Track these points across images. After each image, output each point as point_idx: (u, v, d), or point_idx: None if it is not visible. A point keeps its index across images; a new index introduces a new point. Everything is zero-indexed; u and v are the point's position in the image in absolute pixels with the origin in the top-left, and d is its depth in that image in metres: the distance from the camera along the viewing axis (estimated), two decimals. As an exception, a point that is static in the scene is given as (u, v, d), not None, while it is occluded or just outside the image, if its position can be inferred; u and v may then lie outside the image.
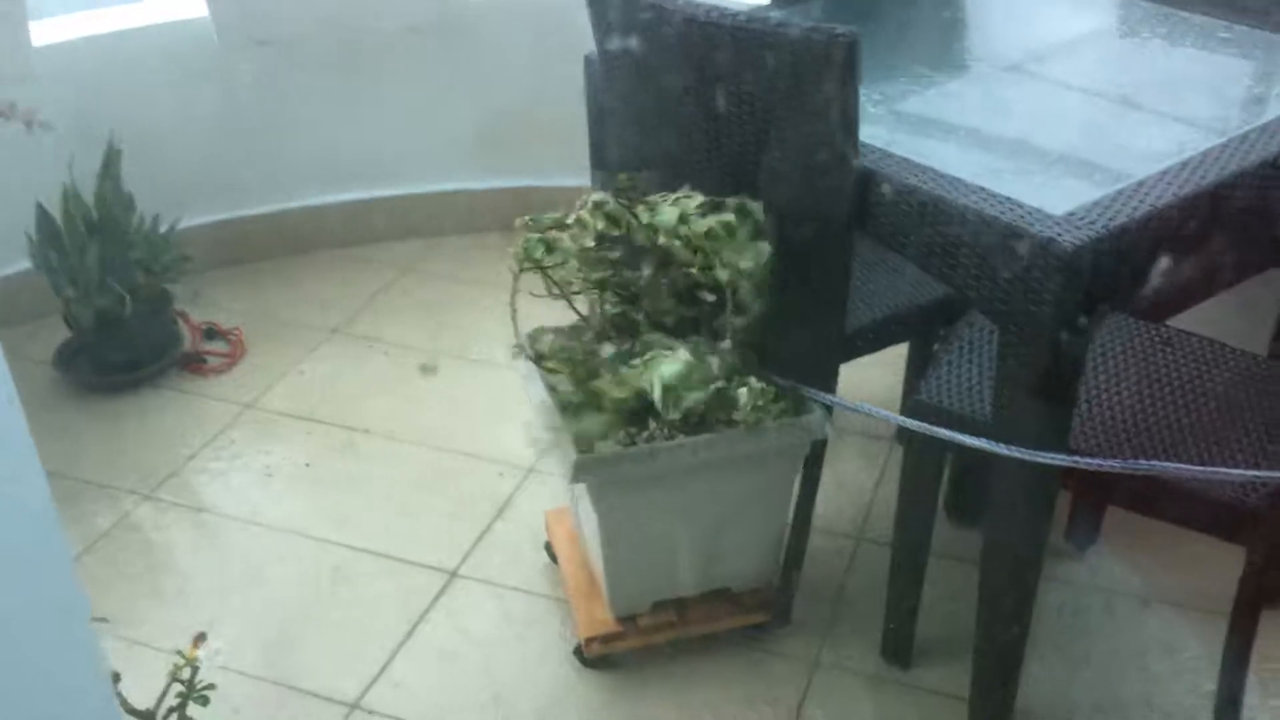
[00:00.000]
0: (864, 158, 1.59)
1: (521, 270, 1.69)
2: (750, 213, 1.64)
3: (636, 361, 1.71)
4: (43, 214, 2.51)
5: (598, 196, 1.68)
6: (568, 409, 1.73)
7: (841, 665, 1.92)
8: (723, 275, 1.62)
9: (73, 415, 2.55)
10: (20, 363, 2.67)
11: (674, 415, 1.67)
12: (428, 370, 2.64)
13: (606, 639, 1.88)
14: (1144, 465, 1.54)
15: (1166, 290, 2.00)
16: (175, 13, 2.85)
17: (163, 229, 2.66)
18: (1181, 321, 1.97)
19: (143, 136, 2.76)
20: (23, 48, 2.62)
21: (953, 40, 2.13)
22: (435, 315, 2.88)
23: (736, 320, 1.71)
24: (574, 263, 1.68)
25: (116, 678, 1.44)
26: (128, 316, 2.56)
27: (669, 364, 1.66)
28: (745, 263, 1.60)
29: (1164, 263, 1.62)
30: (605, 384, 1.68)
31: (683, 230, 1.61)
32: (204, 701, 1.48)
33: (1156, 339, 1.84)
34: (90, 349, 2.63)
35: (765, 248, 1.62)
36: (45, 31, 2.73)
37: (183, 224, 2.87)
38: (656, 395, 1.64)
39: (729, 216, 1.63)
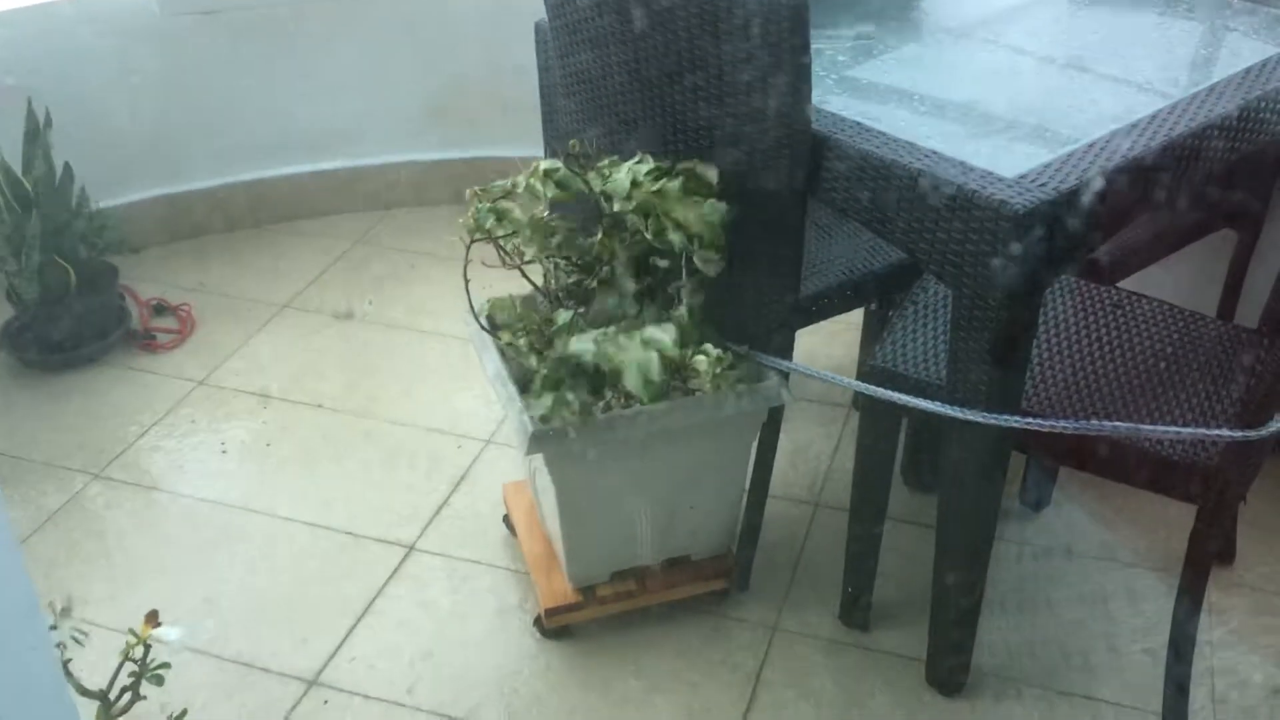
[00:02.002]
0: (816, 122, 1.58)
1: (472, 241, 1.67)
2: (702, 177, 1.63)
3: (598, 333, 1.69)
4: (-20, 189, 2.45)
5: (547, 164, 1.66)
6: (523, 380, 1.72)
7: (800, 630, 1.93)
8: (676, 238, 1.61)
9: (19, 394, 2.50)
10: (-38, 342, 2.62)
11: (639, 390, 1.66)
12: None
13: (566, 610, 1.88)
14: (1095, 426, 1.55)
15: (1117, 252, 2.03)
16: (114, -19, 2.78)
17: (106, 203, 2.61)
18: (1132, 284, 1.99)
19: (84, 110, 2.71)
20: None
21: (903, 5, 2.13)
22: (388, 287, 2.85)
23: (691, 286, 1.70)
24: (525, 232, 1.66)
25: (68, 659, 1.42)
26: (72, 292, 2.51)
27: (658, 331, 1.63)
28: (697, 224, 1.59)
29: (1114, 225, 1.63)
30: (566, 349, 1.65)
31: (636, 194, 1.59)
32: (158, 681, 1.46)
33: (1107, 301, 1.85)
34: (35, 326, 2.58)
35: (719, 206, 1.61)
36: (-20, 2, 2.67)
37: (128, 198, 2.83)
38: (653, 369, 1.61)
39: (675, 183, 1.62)
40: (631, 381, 1.61)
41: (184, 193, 3.00)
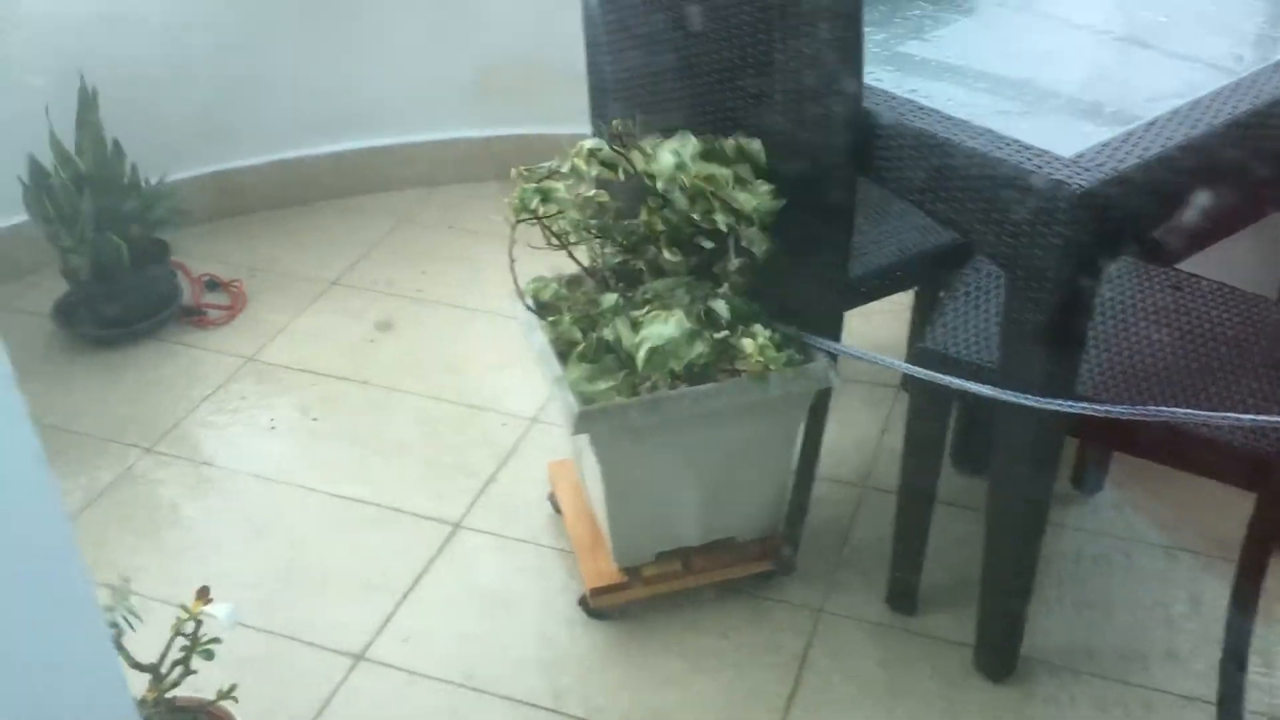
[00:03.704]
0: (867, 99, 1.56)
1: (518, 222, 1.66)
2: (749, 153, 1.61)
3: (638, 313, 1.69)
4: (35, 165, 2.48)
5: (592, 143, 1.65)
6: (569, 360, 1.71)
7: (847, 613, 1.92)
8: (722, 220, 1.59)
9: (73, 368, 2.54)
10: (19, 316, 2.66)
11: (657, 373, 1.65)
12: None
13: (611, 590, 1.88)
14: (1152, 411, 1.52)
15: (1176, 232, 1.98)
16: (166, -42, 2.80)
17: (157, 179, 2.63)
18: (1191, 265, 1.94)
19: (136, 86, 2.72)
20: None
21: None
22: (434, 265, 2.85)
23: (738, 266, 1.69)
24: (570, 212, 1.64)
25: (119, 632, 1.43)
26: (125, 268, 2.54)
27: (661, 326, 1.63)
28: (747, 206, 1.56)
29: (1174, 205, 1.59)
30: (612, 331, 1.65)
31: (681, 177, 1.57)
32: (209, 655, 1.48)
33: (1166, 283, 1.81)
34: (89, 302, 2.61)
35: (765, 188, 1.59)
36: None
37: (179, 174, 2.85)
38: (640, 359, 1.62)
39: (727, 171, 1.60)
40: (642, 360, 1.60)
41: (234, 169, 3.02)
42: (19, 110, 2.54)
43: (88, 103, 2.51)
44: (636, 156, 1.63)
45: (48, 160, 2.48)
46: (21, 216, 2.56)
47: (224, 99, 2.91)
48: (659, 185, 1.59)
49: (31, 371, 2.45)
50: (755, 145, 1.61)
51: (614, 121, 1.66)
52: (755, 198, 1.58)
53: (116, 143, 2.56)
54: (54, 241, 2.52)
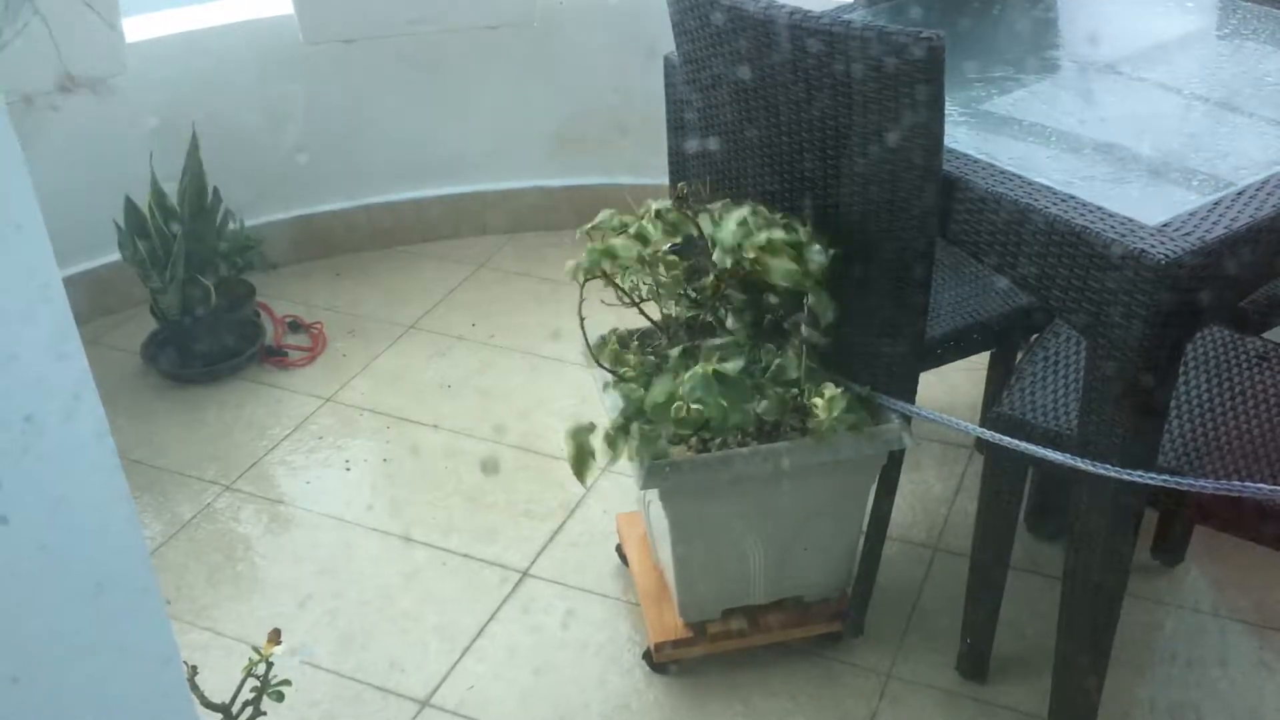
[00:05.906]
0: (947, 163, 1.55)
1: (586, 280, 1.68)
2: (797, 229, 1.62)
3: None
4: (130, 207, 2.56)
5: (659, 205, 1.67)
6: (639, 415, 1.72)
7: (915, 679, 1.88)
8: (779, 277, 1.59)
9: (158, 404, 2.60)
10: (108, 352, 2.74)
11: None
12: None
13: (676, 645, 1.87)
14: (1237, 486, 1.48)
15: (1264, 301, 1.93)
16: (262, 10, 2.89)
17: (246, 223, 2.71)
18: (1279, 335, 1.89)
19: (228, 132, 2.81)
20: (116, 43, 2.68)
21: (1042, 41, 2.07)
22: (511, 311, 2.88)
23: (807, 325, 1.68)
24: (636, 269, 1.66)
25: (194, 670, 1.46)
26: (213, 308, 2.61)
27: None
28: (795, 275, 1.57)
29: (1263, 275, 1.55)
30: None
31: (739, 254, 1.59)
32: (279, 697, 1.50)
33: (1252, 353, 1.77)
34: (175, 340, 2.68)
35: (818, 256, 1.59)
36: (137, 27, 2.79)
37: (267, 218, 2.93)
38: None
39: (781, 234, 1.61)
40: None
41: (319, 214, 3.10)
42: (115, 155, 2.64)
43: (192, 151, 2.59)
44: (704, 220, 1.64)
45: (142, 203, 2.57)
46: (114, 256, 2.64)
47: (313, 145, 2.99)
48: (718, 254, 1.61)
49: (118, 407, 2.52)
50: (802, 229, 1.62)
51: (679, 185, 1.68)
52: (796, 270, 1.58)
53: (216, 190, 2.64)
54: (145, 281, 2.60)
